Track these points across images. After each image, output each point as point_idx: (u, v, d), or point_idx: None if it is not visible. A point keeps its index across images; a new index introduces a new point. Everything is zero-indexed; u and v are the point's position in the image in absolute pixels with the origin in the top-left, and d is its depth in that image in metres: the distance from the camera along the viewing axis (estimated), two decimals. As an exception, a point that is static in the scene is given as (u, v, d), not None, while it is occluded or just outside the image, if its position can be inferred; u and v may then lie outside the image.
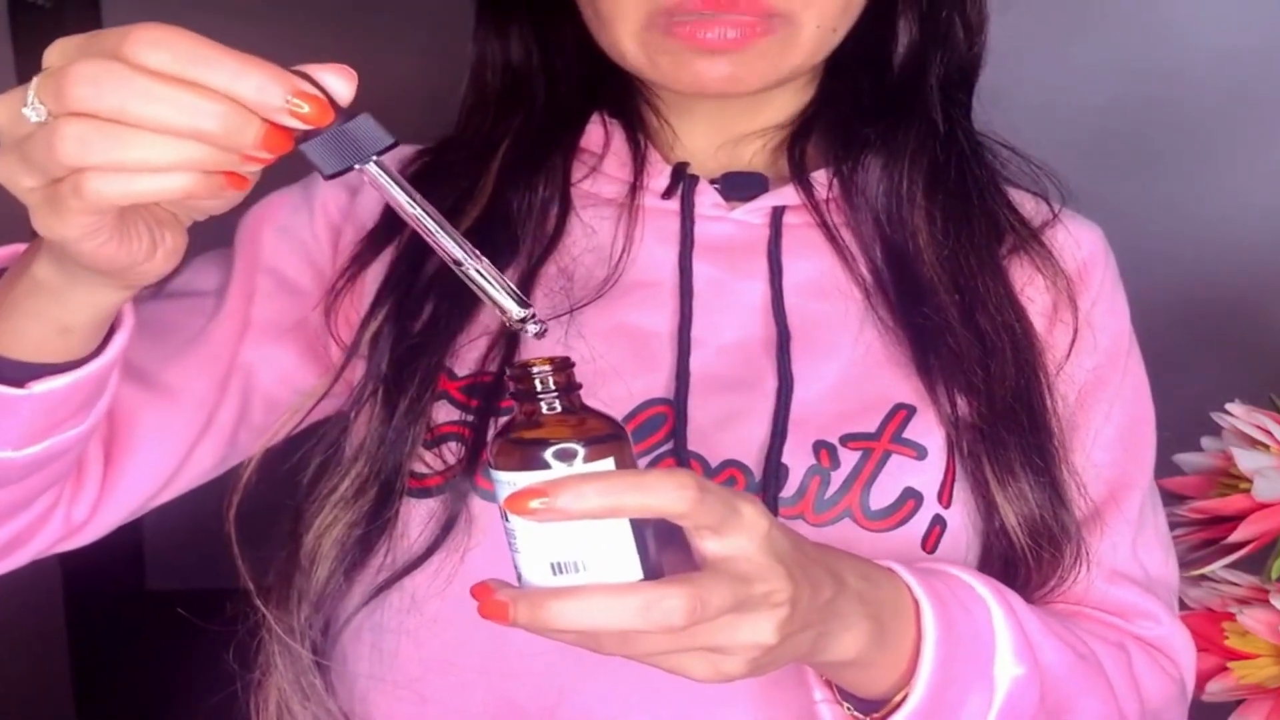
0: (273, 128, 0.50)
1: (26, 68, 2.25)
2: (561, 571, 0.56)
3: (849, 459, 0.76)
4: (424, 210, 0.55)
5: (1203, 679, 0.99)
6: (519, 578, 0.58)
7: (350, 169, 0.52)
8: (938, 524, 0.76)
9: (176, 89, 0.48)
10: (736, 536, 0.56)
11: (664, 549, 0.58)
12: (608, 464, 0.57)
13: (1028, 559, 0.78)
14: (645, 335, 0.79)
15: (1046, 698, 0.71)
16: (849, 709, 0.70)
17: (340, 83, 0.51)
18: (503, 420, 0.75)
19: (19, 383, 0.61)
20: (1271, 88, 1.67)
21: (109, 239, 0.53)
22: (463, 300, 0.78)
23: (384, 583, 0.76)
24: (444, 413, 0.77)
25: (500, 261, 0.80)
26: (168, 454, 0.78)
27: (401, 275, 0.80)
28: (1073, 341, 0.82)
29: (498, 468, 0.57)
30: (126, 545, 2.58)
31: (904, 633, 0.66)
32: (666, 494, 0.55)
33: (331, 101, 0.51)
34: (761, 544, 0.57)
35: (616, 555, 0.56)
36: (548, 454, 0.56)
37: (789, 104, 0.86)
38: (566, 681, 0.74)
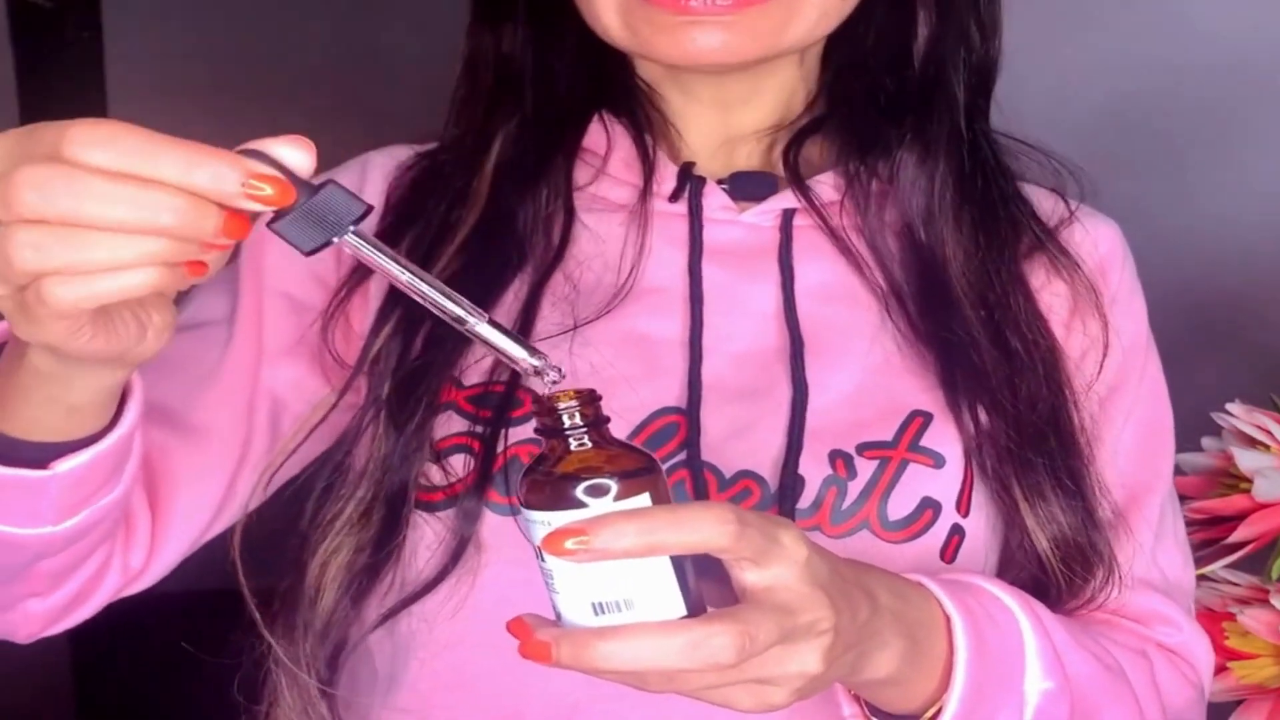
0: (231, 214, 0.49)
1: (26, 67, 2.25)
2: (604, 611, 0.55)
3: (866, 469, 0.74)
4: (415, 275, 0.54)
5: (1203, 679, 1.00)
6: (558, 616, 0.57)
7: (329, 244, 0.51)
8: (956, 533, 0.75)
9: (128, 186, 0.47)
10: (777, 566, 0.55)
11: (702, 579, 0.57)
12: (643, 499, 0.55)
13: (1059, 580, 0.77)
14: (655, 343, 0.77)
15: (1075, 710, 0.70)
16: None
17: (297, 154, 0.50)
18: (508, 442, 0.74)
19: (42, 464, 0.60)
20: (1271, 88, 1.67)
21: (93, 335, 0.52)
22: None
23: (392, 609, 0.75)
24: (450, 424, 0.75)
25: (506, 273, 0.78)
26: (209, 492, 0.77)
27: (403, 291, 0.79)
28: (1104, 353, 0.81)
29: (529, 506, 0.56)
30: (127, 545, 2.58)
31: (936, 649, 0.65)
32: (707, 529, 0.53)
33: (292, 177, 0.49)
34: (802, 573, 0.56)
35: (659, 591, 0.55)
36: (580, 491, 0.54)
37: (787, 91, 0.83)
38: (580, 699, 0.72)
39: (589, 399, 0.56)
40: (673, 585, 0.55)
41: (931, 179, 0.80)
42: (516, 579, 0.72)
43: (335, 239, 0.51)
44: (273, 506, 0.78)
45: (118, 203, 0.47)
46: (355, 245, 0.52)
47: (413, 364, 0.76)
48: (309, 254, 0.52)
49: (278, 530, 0.78)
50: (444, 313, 0.55)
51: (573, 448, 0.56)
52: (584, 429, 0.56)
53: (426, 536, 0.74)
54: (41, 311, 0.49)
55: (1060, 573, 0.76)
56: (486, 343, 0.56)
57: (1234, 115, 1.69)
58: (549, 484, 0.55)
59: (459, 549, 0.73)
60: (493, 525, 0.73)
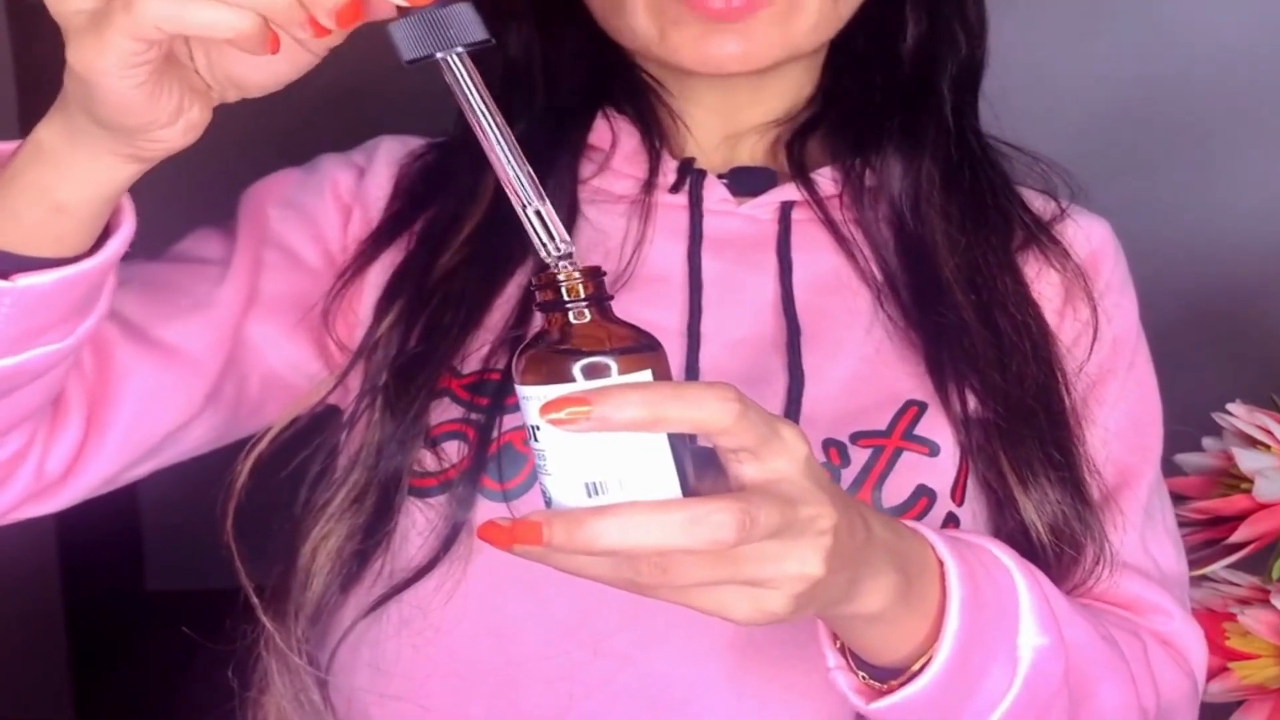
0: None
1: (26, 67, 2.25)
2: (598, 492, 0.52)
3: (859, 457, 0.75)
4: (496, 128, 0.53)
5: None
6: (548, 503, 0.55)
7: (431, 56, 0.50)
8: (951, 522, 0.75)
9: None
10: (777, 460, 0.54)
11: (701, 475, 0.55)
12: (645, 376, 0.53)
13: (1050, 557, 0.76)
14: (654, 330, 0.78)
15: (1070, 675, 0.69)
16: (864, 677, 0.66)
17: None
18: (502, 429, 0.74)
19: (4, 274, 0.58)
20: (1272, 89, 1.67)
21: (143, 82, 0.51)
22: (468, 307, 0.78)
23: (383, 595, 0.75)
24: (444, 411, 0.76)
25: (510, 265, 0.79)
26: (160, 416, 0.75)
27: (406, 281, 0.79)
28: (1094, 337, 0.82)
29: (525, 382, 0.53)
30: (126, 545, 2.58)
31: (928, 591, 0.63)
32: (710, 405, 0.51)
33: None
34: (803, 468, 0.54)
35: (655, 475, 0.53)
36: (580, 365, 0.52)
37: (789, 93, 0.85)
38: (575, 686, 0.73)
39: (592, 273, 0.55)
40: (669, 468, 0.53)
41: (918, 172, 0.82)
42: (509, 565, 0.72)
43: (440, 54, 0.50)
44: (265, 493, 0.77)
45: None
46: (457, 70, 0.51)
47: (413, 352, 0.76)
48: (409, 63, 0.51)
49: (271, 519, 0.77)
50: (507, 181, 0.54)
51: (573, 321, 0.54)
52: (585, 303, 0.54)
53: (418, 523, 0.74)
54: (120, 21, 0.49)
55: (1051, 548, 0.76)
56: (531, 226, 0.54)
57: (1233, 116, 1.68)
58: (547, 358, 0.53)
59: (451, 536, 0.73)
60: (485, 512, 0.73)
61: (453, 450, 0.75)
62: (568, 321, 0.54)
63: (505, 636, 0.74)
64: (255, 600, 0.75)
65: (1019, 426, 0.77)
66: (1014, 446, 0.76)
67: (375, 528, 0.75)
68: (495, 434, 0.74)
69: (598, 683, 0.73)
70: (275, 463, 0.79)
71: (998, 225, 0.83)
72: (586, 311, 0.54)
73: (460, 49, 0.51)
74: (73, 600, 2.29)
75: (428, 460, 0.75)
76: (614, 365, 0.52)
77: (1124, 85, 1.69)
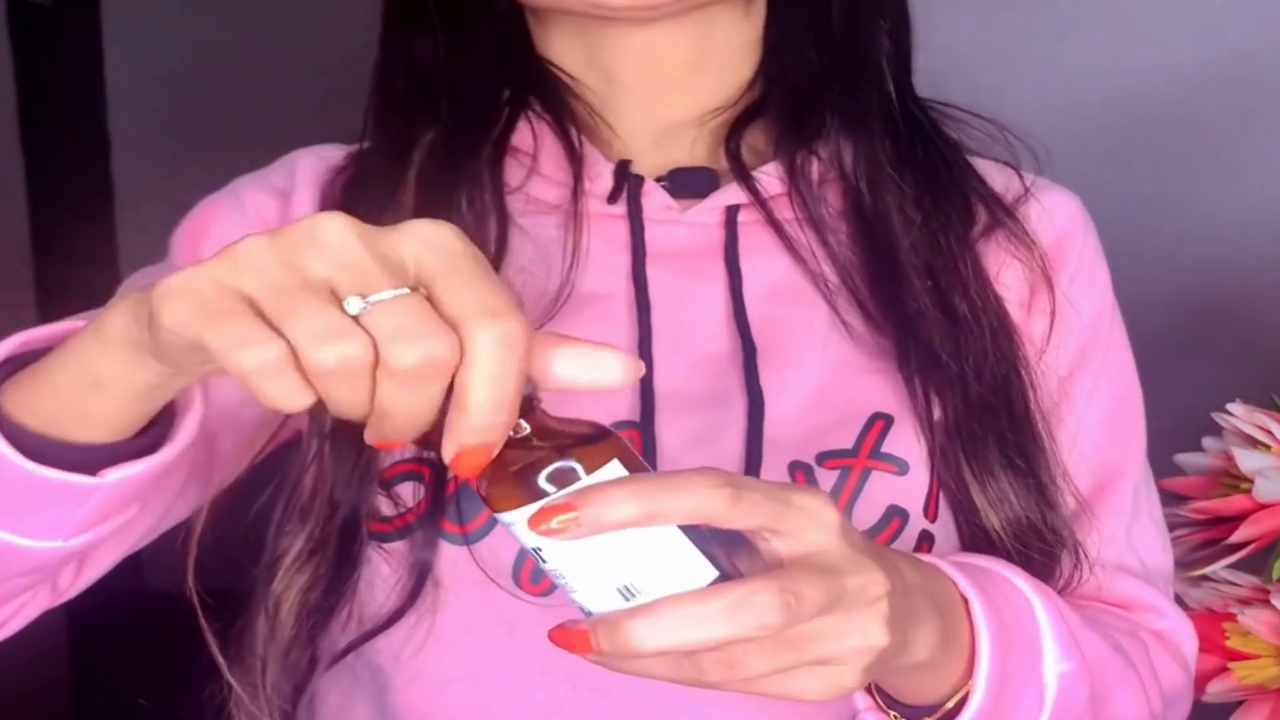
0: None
1: (25, 67, 2.25)
2: (632, 595, 0.49)
3: (827, 480, 0.72)
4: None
5: (1203, 680, 0.99)
6: (587, 616, 0.52)
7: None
8: (925, 540, 0.73)
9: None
10: (805, 533, 0.51)
11: (737, 557, 0.52)
12: (615, 466, 0.49)
13: (1015, 561, 0.74)
14: None
15: (1093, 691, 0.68)
16: (895, 717, 0.65)
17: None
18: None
19: (90, 470, 0.56)
20: (1271, 88, 1.67)
21: None
22: None
23: (350, 646, 0.73)
24: (398, 451, 0.72)
25: None
26: (149, 509, 0.72)
27: None
28: (1051, 326, 0.78)
29: (501, 510, 0.50)
30: (126, 545, 2.58)
31: (960, 630, 0.62)
32: (699, 493, 0.49)
33: None
34: (837, 536, 0.52)
35: (684, 565, 0.49)
36: (545, 476, 0.48)
37: (727, 76, 0.81)
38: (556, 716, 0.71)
39: None
40: (696, 556, 0.50)
41: (870, 144, 0.78)
42: (481, 606, 0.71)
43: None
44: (229, 515, 0.75)
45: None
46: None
47: None
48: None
49: (236, 531, 0.76)
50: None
51: (513, 435, 0.49)
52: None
53: (383, 571, 0.72)
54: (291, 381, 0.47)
55: (1016, 552, 0.74)
56: None
57: (1236, 117, 1.69)
58: (510, 480, 0.49)
59: (417, 585, 0.71)
60: (448, 556, 0.71)
61: (408, 493, 0.72)
62: (509, 437, 0.49)
63: (481, 677, 0.72)
64: (221, 660, 0.73)
65: (976, 424, 0.74)
66: (972, 444, 0.74)
67: (338, 579, 0.72)
68: (451, 474, 0.71)
69: (577, 716, 0.71)
70: (239, 505, 0.77)
71: (956, 202, 0.79)
72: (523, 423, 0.49)
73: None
74: (73, 600, 2.29)
75: (383, 505, 0.72)
76: (579, 466, 0.49)
77: (1121, 83, 1.69)
